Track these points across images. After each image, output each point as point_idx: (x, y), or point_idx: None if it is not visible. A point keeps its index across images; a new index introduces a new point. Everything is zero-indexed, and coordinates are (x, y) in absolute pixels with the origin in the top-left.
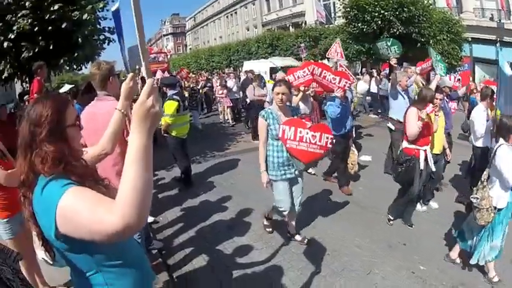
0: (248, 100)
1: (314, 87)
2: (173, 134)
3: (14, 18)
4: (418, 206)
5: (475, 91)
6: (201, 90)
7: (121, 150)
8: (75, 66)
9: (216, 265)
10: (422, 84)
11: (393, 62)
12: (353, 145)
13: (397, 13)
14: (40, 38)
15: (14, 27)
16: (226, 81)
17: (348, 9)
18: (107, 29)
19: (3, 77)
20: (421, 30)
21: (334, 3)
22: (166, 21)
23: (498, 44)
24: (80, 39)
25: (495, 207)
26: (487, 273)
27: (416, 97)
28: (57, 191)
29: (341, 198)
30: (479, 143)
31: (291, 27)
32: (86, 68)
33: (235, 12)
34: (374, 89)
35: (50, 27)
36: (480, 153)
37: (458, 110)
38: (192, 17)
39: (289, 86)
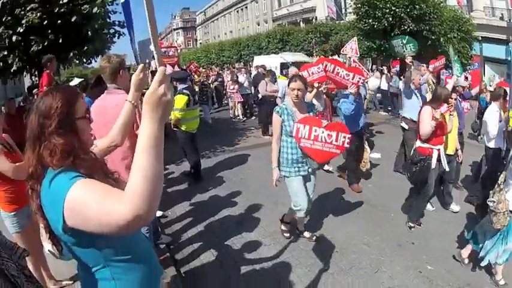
0: (260, 96)
1: (327, 83)
2: (183, 128)
3: (22, 12)
4: (429, 206)
5: (484, 90)
6: (211, 85)
7: (130, 143)
8: (84, 60)
9: (224, 260)
10: (433, 82)
11: (408, 60)
12: (365, 142)
13: (408, 10)
14: (49, 31)
15: (23, 21)
16: (237, 76)
17: (359, 5)
18: (117, 22)
19: (11, 71)
20: (432, 28)
21: None
22: (176, 15)
23: (511, 44)
24: (89, 32)
25: (511, 211)
26: (494, 275)
27: (427, 95)
28: (65, 184)
29: (350, 196)
30: (491, 144)
31: (301, 22)
32: (95, 61)
33: (246, 7)
34: (384, 86)
35: (59, 21)
36: (492, 154)
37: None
38: (203, 12)
39: (305, 81)
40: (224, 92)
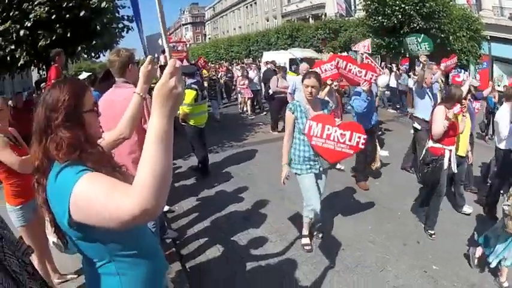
0: (271, 91)
1: (338, 80)
2: (191, 123)
3: (30, 7)
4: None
5: (492, 90)
6: (221, 80)
7: (138, 138)
8: (93, 54)
9: (230, 256)
10: (442, 81)
11: (423, 59)
12: (376, 140)
13: (418, 8)
14: (57, 26)
15: (31, 15)
16: (247, 72)
17: (369, 2)
18: (125, 17)
19: (19, 65)
20: (441, 26)
21: None
22: (185, 10)
23: None
24: (98, 27)
25: None
26: (498, 277)
27: (437, 93)
28: (71, 178)
29: (357, 194)
30: (502, 145)
31: (310, 18)
32: (104, 56)
33: (255, 3)
34: (393, 83)
35: (67, 15)
36: (503, 155)
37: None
38: (212, 7)
39: (319, 78)
40: (233, 87)
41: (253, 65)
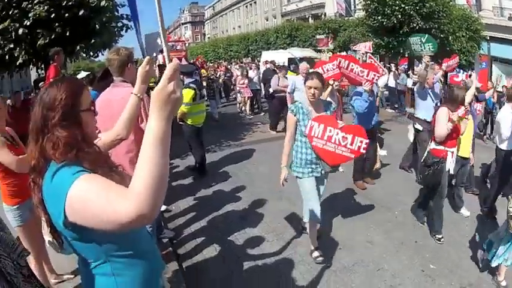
0: (271, 90)
1: (339, 80)
2: (189, 122)
3: (30, 5)
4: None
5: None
6: (219, 79)
7: (135, 138)
8: (91, 53)
9: (227, 256)
10: (441, 81)
11: (426, 59)
12: (376, 141)
13: (417, 8)
14: (56, 24)
15: (30, 14)
16: (247, 71)
17: (369, 2)
18: (124, 16)
19: (17, 64)
20: (441, 26)
21: None
22: (185, 9)
23: None
24: (97, 26)
25: None
26: (496, 276)
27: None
28: (67, 179)
29: (355, 193)
30: (503, 146)
31: (310, 18)
32: (102, 55)
33: (255, 2)
34: (392, 83)
35: (66, 14)
36: (504, 155)
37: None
38: (211, 6)
39: (322, 79)
40: (232, 86)
41: (253, 65)
